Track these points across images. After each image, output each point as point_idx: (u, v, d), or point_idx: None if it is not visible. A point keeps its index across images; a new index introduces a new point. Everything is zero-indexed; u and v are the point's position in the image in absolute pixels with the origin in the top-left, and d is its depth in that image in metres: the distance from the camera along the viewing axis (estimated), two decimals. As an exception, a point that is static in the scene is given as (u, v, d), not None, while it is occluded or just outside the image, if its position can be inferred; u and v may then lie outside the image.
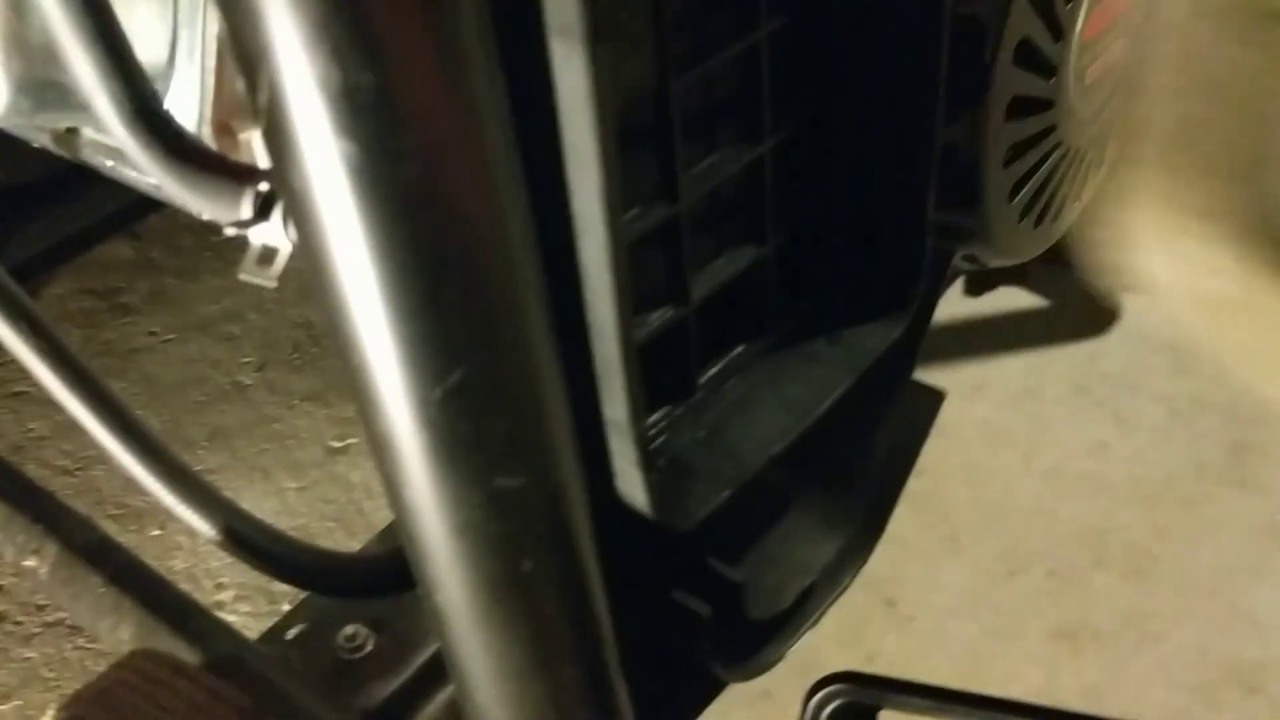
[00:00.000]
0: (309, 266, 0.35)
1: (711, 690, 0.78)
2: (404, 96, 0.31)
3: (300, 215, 0.34)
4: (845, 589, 0.76)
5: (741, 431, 0.64)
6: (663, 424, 0.64)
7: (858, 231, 0.68)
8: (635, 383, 0.52)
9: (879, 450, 0.75)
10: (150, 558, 1.30)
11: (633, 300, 0.51)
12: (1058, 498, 1.25)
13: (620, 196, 0.46)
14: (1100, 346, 1.43)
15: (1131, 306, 1.47)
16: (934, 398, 0.79)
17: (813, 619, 0.73)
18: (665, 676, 0.72)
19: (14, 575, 1.26)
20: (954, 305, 1.51)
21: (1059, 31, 0.81)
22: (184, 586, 1.29)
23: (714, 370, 0.67)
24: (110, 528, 1.33)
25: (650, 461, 0.55)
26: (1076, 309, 1.48)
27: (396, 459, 0.39)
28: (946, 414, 1.36)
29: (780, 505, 0.74)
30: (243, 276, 0.50)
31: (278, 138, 0.31)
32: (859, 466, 0.75)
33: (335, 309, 0.35)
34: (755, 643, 0.69)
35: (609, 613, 0.47)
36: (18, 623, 1.24)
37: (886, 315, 0.70)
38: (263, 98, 0.30)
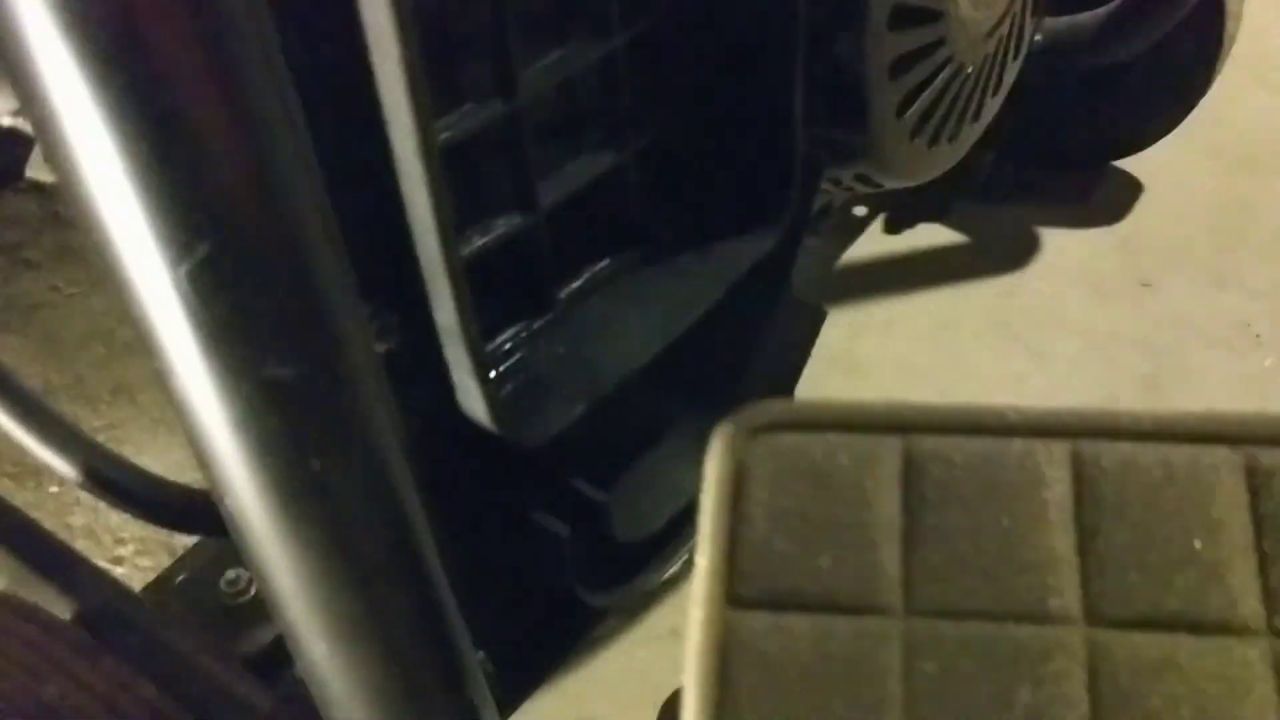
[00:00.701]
0: (36, 131, 0.32)
1: (591, 623, 0.76)
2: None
3: (16, 70, 0.31)
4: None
5: (602, 347, 0.62)
6: (519, 339, 0.62)
7: (723, 141, 0.66)
8: (461, 287, 0.49)
9: (756, 368, 0.73)
10: (48, 514, 1.27)
11: (462, 200, 0.48)
12: (972, 431, 1.23)
13: (422, 78, 0.43)
14: (1019, 280, 1.42)
15: (1051, 240, 1.46)
16: (814, 315, 0.77)
17: (690, 544, 0.71)
18: (539, 604, 0.70)
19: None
20: (873, 242, 1.49)
21: (943, -62, 0.79)
22: (82, 543, 1.26)
23: (575, 285, 0.64)
24: (6, 486, 1.29)
25: (485, 372, 0.52)
26: (995, 244, 1.47)
27: (158, 350, 0.36)
28: (862, 350, 1.35)
29: (657, 427, 0.72)
30: (29, 174, 0.47)
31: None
32: (736, 386, 0.73)
33: (70, 180, 0.32)
34: (625, 568, 0.67)
35: (426, 521, 0.45)
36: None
37: (757, 229, 0.67)
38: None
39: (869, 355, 1.33)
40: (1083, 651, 0.40)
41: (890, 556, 0.41)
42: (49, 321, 1.47)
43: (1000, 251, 1.45)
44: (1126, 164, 1.50)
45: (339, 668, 0.45)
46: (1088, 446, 0.43)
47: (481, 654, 0.67)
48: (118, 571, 1.20)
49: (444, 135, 0.52)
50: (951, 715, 0.38)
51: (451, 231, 0.47)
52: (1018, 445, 0.43)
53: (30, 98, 0.31)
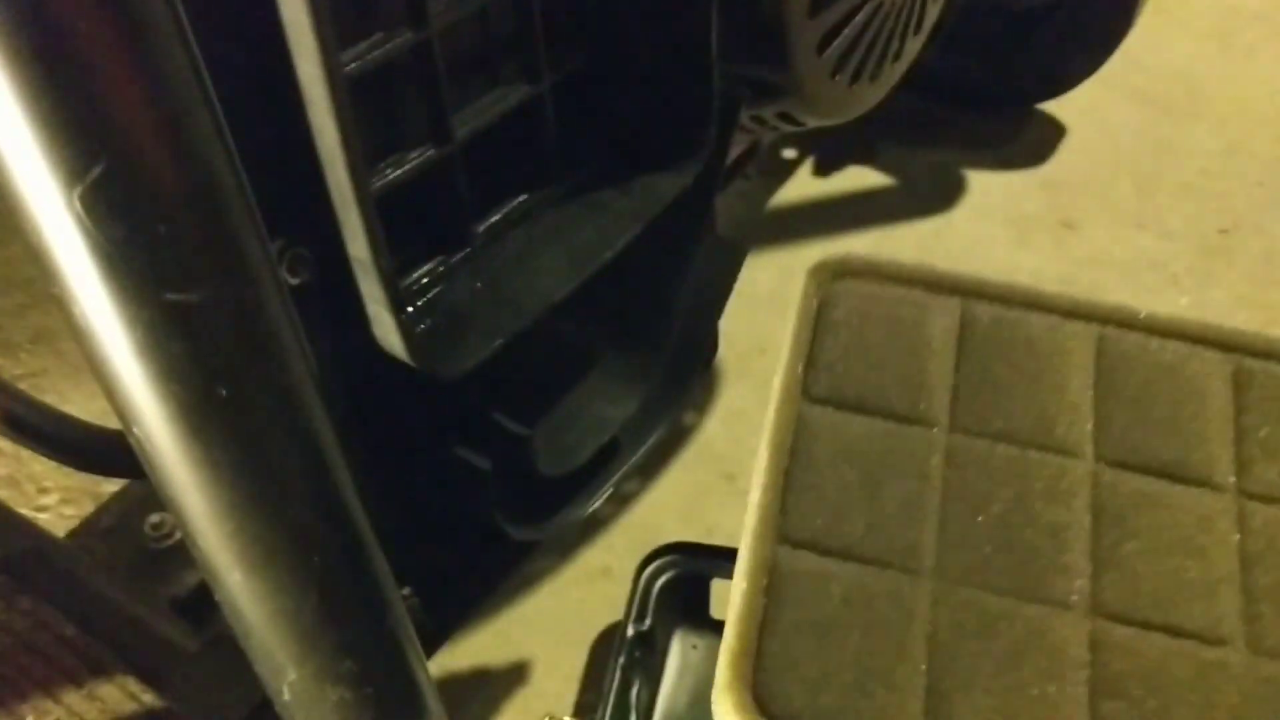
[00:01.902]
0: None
1: (518, 554, 0.77)
2: None
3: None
4: (650, 449, 0.75)
5: (521, 281, 0.62)
6: (437, 273, 0.61)
7: (640, 73, 0.66)
8: (371, 218, 0.49)
9: (679, 306, 0.74)
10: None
11: (371, 132, 0.48)
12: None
13: (325, 4, 0.42)
14: (946, 222, 1.43)
15: (976, 182, 1.48)
16: (736, 251, 0.78)
17: (615, 478, 0.72)
18: (465, 538, 0.70)
19: None
20: (803, 185, 1.50)
21: (862, -128, 0.79)
22: (4, 492, 1.24)
23: (494, 219, 0.64)
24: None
25: (398, 304, 0.52)
26: (922, 186, 1.48)
27: (57, 277, 0.35)
28: (791, 292, 1.37)
29: (581, 364, 0.73)
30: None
31: None
32: (659, 322, 0.73)
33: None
34: (549, 502, 0.68)
35: (340, 451, 0.45)
36: None
37: (676, 164, 0.68)
38: None
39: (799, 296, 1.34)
40: (1088, 480, 0.51)
41: (941, 383, 0.52)
42: (-35, 270, 1.44)
43: (927, 193, 1.47)
44: (1049, 107, 1.52)
45: (254, 596, 0.46)
46: (1111, 332, 0.56)
47: (408, 589, 0.67)
48: (42, 519, 1.19)
49: (352, 65, 0.52)
50: (976, 510, 0.49)
51: (361, 162, 0.47)
52: (1054, 320, 0.56)
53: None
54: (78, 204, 0.33)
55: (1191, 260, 1.36)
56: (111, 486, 1.24)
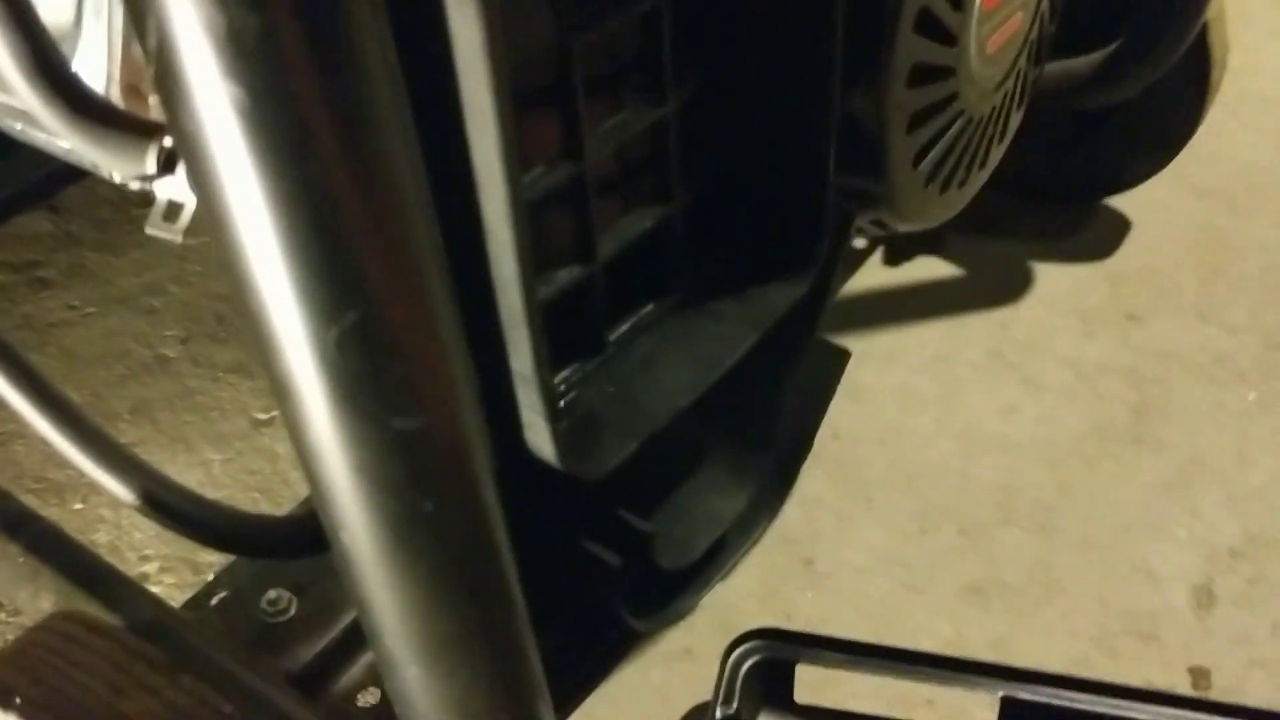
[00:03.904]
0: (204, 210, 0.36)
1: (626, 642, 0.80)
2: (289, 39, 0.32)
3: (192, 159, 0.35)
4: (756, 541, 0.78)
5: (650, 387, 0.66)
6: (574, 380, 0.66)
7: (762, 192, 0.70)
8: (539, 337, 0.53)
9: (787, 406, 0.77)
10: (72, 531, 1.29)
11: (535, 257, 0.52)
12: (968, 458, 1.29)
13: (516, 150, 0.47)
14: (1012, 313, 1.47)
15: (1043, 274, 1.51)
16: (840, 356, 0.82)
17: (724, 570, 0.76)
18: (580, 628, 0.74)
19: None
20: (873, 274, 1.54)
21: (959, 2, 0.84)
22: (107, 560, 1.29)
23: (624, 328, 0.69)
24: (30, 502, 1.32)
25: (556, 413, 0.56)
26: (990, 277, 1.52)
27: (296, 401, 0.40)
28: (863, 379, 1.41)
29: (693, 460, 0.77)
30: (149, 230, 0.51)
31: (167, 83, 0.32)
32: (768, 422, 0.77)
33: (231, 252, 0.36)
34: (666, 593, 0.72)
35: (511, 555, 0.49)
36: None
37: (791, 274, 0.72)
38: (151, 43, 0.31)
39: (870, 384, 1.38)
40: None
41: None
42: (66, 340, 1.50)
43: (994, 284, 1.51)
44: (1114, 200, 1.56)
45: (428, 687, 0.49)
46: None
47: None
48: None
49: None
50: None
51: (534, 285, 0.52)
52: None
53: (203, 184, 0.36)
54: (330, 345, 0.38)
55: (1257, 354, 1.39)
56: (208, 556, 1.29)
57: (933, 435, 1.32)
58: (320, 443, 0.41)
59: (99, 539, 1.29)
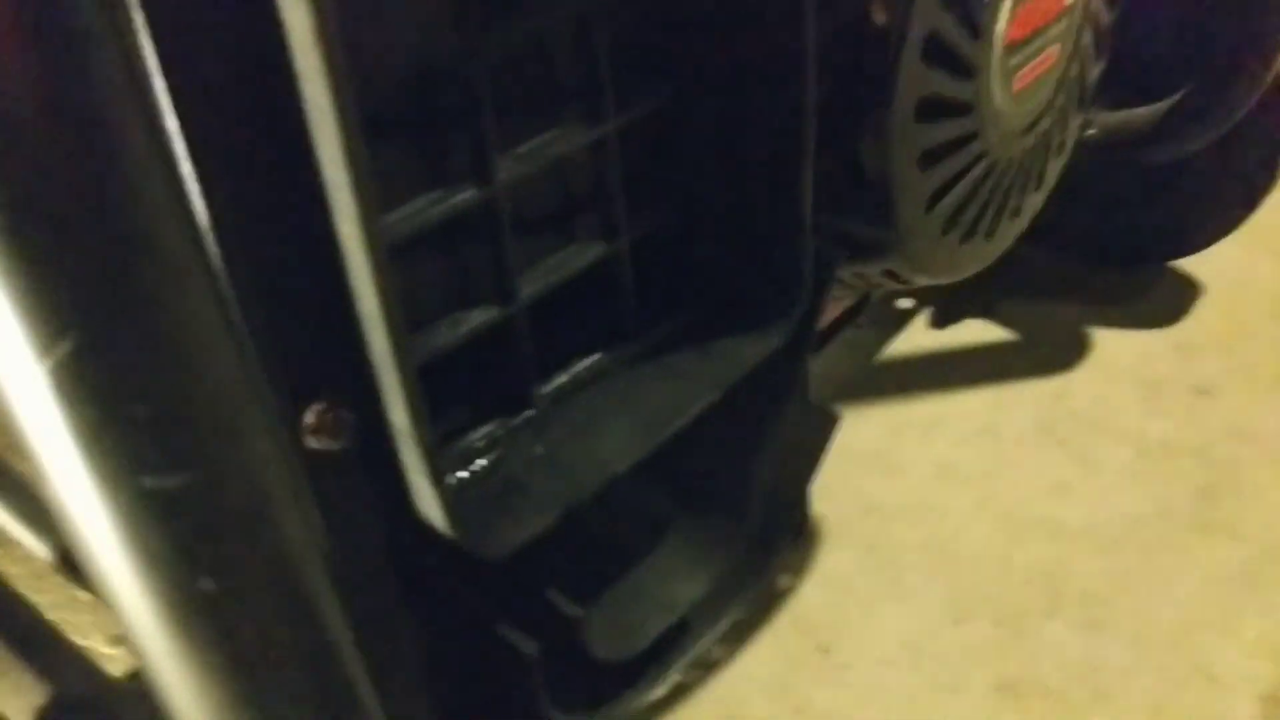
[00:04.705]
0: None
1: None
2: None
3: None
4: (722, 630, 0.69)
5: (583, 450, 0.58)
6: (495, 437, 0.57)
7: (725, 231, 0.62)
8: (412, 388, 0.45)
9: (762, 476, 0.68)
10: (23, 586, 1.23)
11: (406, 293, 0.45)
12: (1011, 541, 1.17)
13: (363, 163, 0.40)
14: (1068, 383, 1.35)
15: (1103, 341, 1.40)
16: (828, 419, 0.72)
17: (680, 663, 0.66)
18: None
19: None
20: (918, 337, 1.44)
21: (976, 29, 0.75)
22: (52, 621, 1.22)
23: (560, 381, 0.60)
24: None
25: (439, 477, 0.48)
26: (1045, 343, 1.41)
27: (28, 450, 0.32)
28: (900, 451, 1.30)
29: (651, 534, 0.68)
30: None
31: None
32: (738, 494, 0.68)
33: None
34: (605, 688, 0.62)
35: (347, 644, 0.40)
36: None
37: (761, 327, 0.63)
38: None
39: (907, 456, 1.27)
40: None
41: None
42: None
43: (1050, 351, 1.39)
44: (1183, 263, 1.44)
45: (247, 804, 0.41)
46: None
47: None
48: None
49: (409, 223, 0.49)
50: None
51: (401, 330, 0.44)
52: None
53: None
54: (47, 379, 0.30)
55: (1343, 436, 1.25)
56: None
57: (973, 515, 1.21)
58: (66, 505, 0.33)
59: (48, 599, 1.22)
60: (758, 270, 0.62)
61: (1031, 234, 0.98)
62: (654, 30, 0.57)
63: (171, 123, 0.37)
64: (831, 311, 1.31)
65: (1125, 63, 1.08)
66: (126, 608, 0.35)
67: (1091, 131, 1.25)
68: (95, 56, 0.28)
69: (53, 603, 1.20)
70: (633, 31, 0.56)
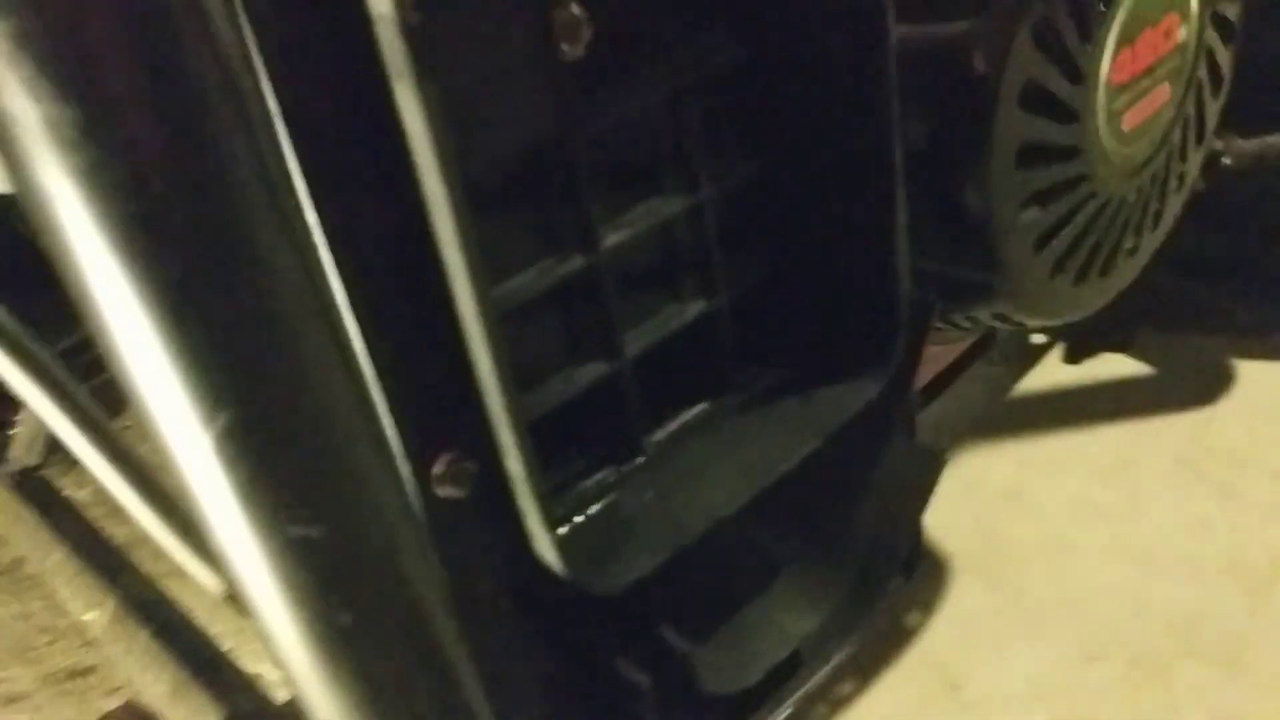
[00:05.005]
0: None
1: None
2: (111, 126, 0.31)
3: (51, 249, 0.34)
4: (833, 666, 0.71)
5: (691, 495, 0.62)
6: (608, 483, 0.62)
7: (821, 285, 0.65)
8: (523, 440, 0.50)
9: (867, 517, 0.71)
10: (200, 619, 1.32)
11: (520, 355, 0.49)
12: (1148, 579, 1.15)
13: (473, 237, 0.45)
14: (1210, 418, 1.32)
15: (1248, 374, 1.36)
16: (935, 460, 0.74)
17: (793, 697, 0.69)
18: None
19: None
20: (1051, 371, 1.43)
21: (1076, 74, 0.77)
22: (224, 650, 1.31)
23: (668, 430, 0.64)
24: (170, 585, 1.37)
25: (551, 521, 0.53)
26: (1187, 377, 1.38)
27: (194, 502, 0.38)
28: (1032, 485, 1.29)
29: (761, 573, 0.71)
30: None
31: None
32: (843, 532, 0.70)
33: (107, 339, 0.35)
34: None
35: (469, 674, 0.45)
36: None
37: (860, 375, 0.66)
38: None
39: (1040, 491, 1.27)
40: None
41: None
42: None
43: (1190, 385, 1.36)
44: (1336, 292, 1.39)
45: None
46: None
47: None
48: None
49: (523, 290, 0.54)
50: None
51: (514, 390, 0.49)
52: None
53: (63, 274, 0.35)
54: (208, 448, 0.36)
55: None
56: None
57: (1108, 551, 1.19)
58: (226, 549, 0.39)
59: (222, 628, 1.32)
60: (853, 320, 0.65)
61: (1168, 260, 0.97)
62: (745, 101, 0.61)
63: (312, 216, 0.43)
64: (959, 347, 1.31)
65: (1261, 90, 1.06)
66: (277, 638, 0.41)
67: (1227, 162, 1.23)
68: (240, 156, 0.34)
69: (226, 632, 1.30)
70: (725, 104, 0.60)
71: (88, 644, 1.21)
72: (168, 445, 0.37)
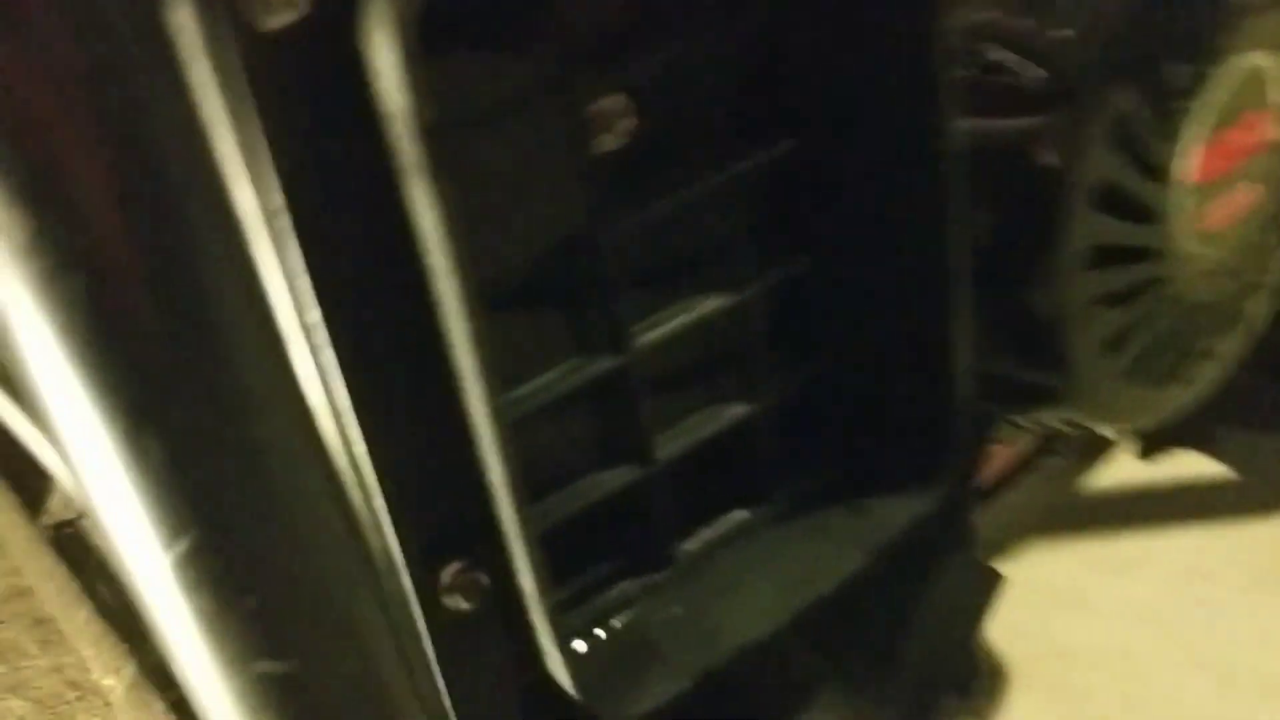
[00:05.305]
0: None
1: None
2: (71, 231, 0.28)
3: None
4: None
5: (722, 613, 0.57)
6: (631, 596, 0.58)
7: (872, 390, 0.61)
8: (535, 554, 0.46)
9: (918, 636, 0.66)
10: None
11: (521, 462, 0.45)
12: (1222, 697, 1.08)
13: (486, 340, 0.42)
14: (1292, 525, 1.25)
15: (1337, 481, 1.28)
16: (991, 579, 0.69)
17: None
18: None
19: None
20: (1124, 468, 1.36)
21: (1155, 173, 0.72)
22: None
23: (702, 539, 0.60)
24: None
25: (565, 639, 0.49)
26: (1268, 480, 1.30)
27: (155, 629, 0.35)
28: (1097, 591, 1.22)
29: (800, 693, 0.66)
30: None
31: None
32: (892, 654, 0.65)
33: (61, 446, 0.32)
34: None
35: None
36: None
37: (912, 487, 0.61)
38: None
39: (1103, 596, 1.20)
40: None
41: None
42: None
43: (1273, 490, 1.29)
44: None
45: None
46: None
47: None
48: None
49: (546, 391, 0.51)
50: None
51: (525, 501, 0.45)
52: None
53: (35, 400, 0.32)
54: (168, 572, 0.33)
55: None
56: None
57: (1179, 665, 1.12)
58: (187, 679, 0.36)
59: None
60: (906, 428, 0.61)
61: (1254, 358, 0.91)
62: (794, 192, 0.57)
63: (314, 315, 0.40)
64: (1026, 440, 1.25)
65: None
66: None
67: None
68: (211, 257, 0.31)
69: None
70: (771, 199, 0.56)
71: (108, 705, 1.19)
72: (127, 566, 0.34)
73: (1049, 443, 1.26)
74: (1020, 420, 0.84)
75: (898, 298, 0.59)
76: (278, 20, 0.34)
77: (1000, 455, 1.20)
